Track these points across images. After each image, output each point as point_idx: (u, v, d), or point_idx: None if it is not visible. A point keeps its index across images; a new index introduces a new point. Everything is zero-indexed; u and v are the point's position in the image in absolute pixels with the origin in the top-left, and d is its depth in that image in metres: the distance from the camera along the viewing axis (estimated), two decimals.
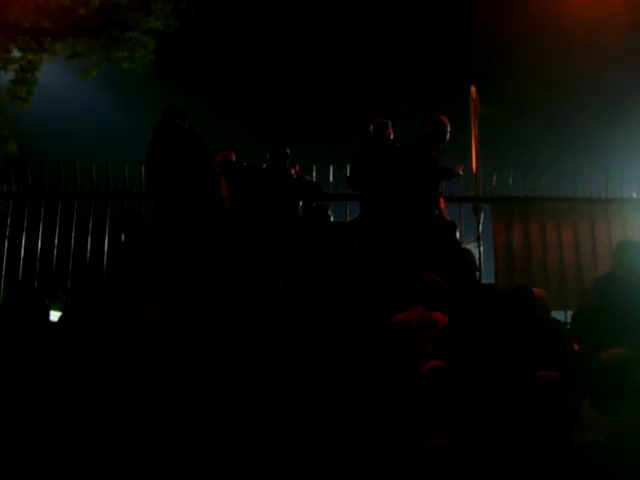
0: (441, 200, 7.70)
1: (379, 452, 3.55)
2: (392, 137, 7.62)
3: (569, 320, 6.67)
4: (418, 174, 7.33)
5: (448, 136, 7.64)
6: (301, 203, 7.76)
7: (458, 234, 7.69)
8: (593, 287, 5.73)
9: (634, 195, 8.59)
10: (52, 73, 12.03)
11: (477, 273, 7.34)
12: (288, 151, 7.68)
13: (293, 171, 7.74)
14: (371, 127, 7.64)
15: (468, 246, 7.70)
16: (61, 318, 5.49)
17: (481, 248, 8.14)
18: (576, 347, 5.43)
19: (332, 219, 7.79)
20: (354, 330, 5.10)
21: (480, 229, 8.30)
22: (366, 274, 6.40)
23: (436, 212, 7.36)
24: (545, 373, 4.11)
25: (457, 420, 3.75)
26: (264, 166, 7.76)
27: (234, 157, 7.76)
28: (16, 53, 11.13)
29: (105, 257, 7.84)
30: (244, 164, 7.78)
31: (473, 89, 9.08)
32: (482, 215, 8.36)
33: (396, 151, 7.47)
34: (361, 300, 5.80)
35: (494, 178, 8.39)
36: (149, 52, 11.48)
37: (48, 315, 5.41)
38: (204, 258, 6.43)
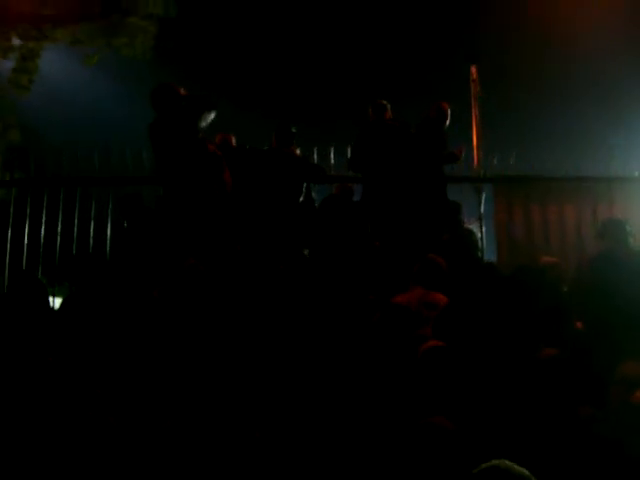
0: None
1: (375, 431, 3.58)
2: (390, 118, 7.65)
3: None
4: (427, 156, 7.36)
5: (448, 122, 7.67)
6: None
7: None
8: (589, 265, 5.76)
9: (637, 174, 8.57)
10: (53, 60, 12.01)
11: (479, 253, 7.35)
12: (294, 130, 7.62)
13: (298, 151, 7.69)
14: (370, 109, 7.64)
15: (470, 226, 7.71)
16: (62, 305, 5.52)
17: (483, 228, 8.16)
18: (579, 325, 5.44)
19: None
20: (354, 312, 5.12)
21: (482, 209, 8.30)
22: (370, 255, 6.40)
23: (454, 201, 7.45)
24: (545, 351, 4.14)
25: (455, 399, 3.77)
26: (268, 148, 7.72)
27: (234, 140, 7.72)
28: (16, 41, 11.12)
29: (108, 243, 7.87)
30: (247, 147, 7.74)
31: (473, 69, 9.06)
32: (483, 195, 8.36)
33: (397, 131, 7.47)
34: (364, 281, 5.82)
35: (495, 158, 8.38)
36: (149, 38, 11.47)
37: (48, 302, 5.43)
38: (207, 241, 6.44)
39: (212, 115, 6.76)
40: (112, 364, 4.52)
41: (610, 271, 5.50)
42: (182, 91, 6.82)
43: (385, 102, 7.66)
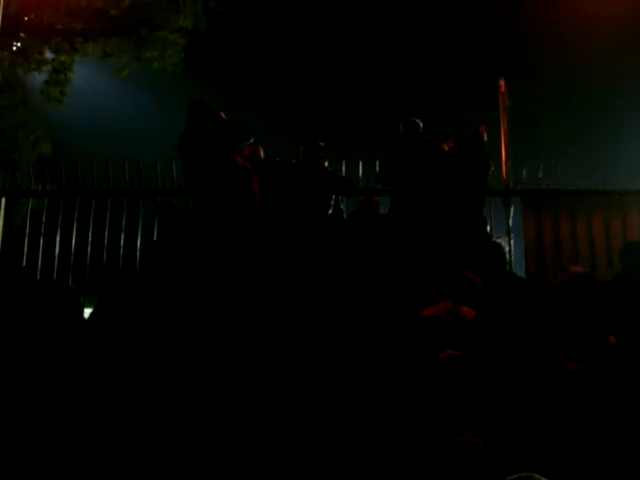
0: None
1: (402, 447, 3.58)
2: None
3: None
4: (467, 175, 7.33)
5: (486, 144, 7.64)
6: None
7: (488, 228, 7.68)
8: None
9: None
10: (84, 74, 12.19)
11: (507, 267, 7.32)
12: (322, 144, 7.65)
13: (326, 164, 7.71)
14: (401, 125, 7.62)
15: (498, 240, 7.67)
16: (92, 315, 5.57)
17: (511, 242, 8.12)
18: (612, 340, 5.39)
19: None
20: (381, 324, 5.13)
21: (510, 222, 8.27)
22: (399, 268, 6.39)
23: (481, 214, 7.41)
24: (571, 365, 4.12)
25: (473, 410, 3.75)
26: (296, 161, 7.75)
27: (262, 153, 7.76)
28: (49, 55, 11.31)
29: (138, 254, 7.95)
30: (277, 159, 7.76)
31: (502, 82, 9.05)
32: (512, 208, 8.33)
33: (430, 144, 7.45)
34: (394, 295, 5.82)
35: (524, 171, 8.35)
36: (179, 51, 11.60)
37: (82, 313, 5.50)
38: (235, 255, 6.47)
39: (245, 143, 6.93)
40: (139, 377, 4.56)
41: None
42: (223, 115, 6.94)
43: (418, 120, 7.64)
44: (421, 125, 7.63)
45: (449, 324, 4.85)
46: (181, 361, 4.71)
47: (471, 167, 7.38)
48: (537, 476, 2.53)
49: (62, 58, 11.22)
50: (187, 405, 4.26)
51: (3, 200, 8.54)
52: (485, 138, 7.54)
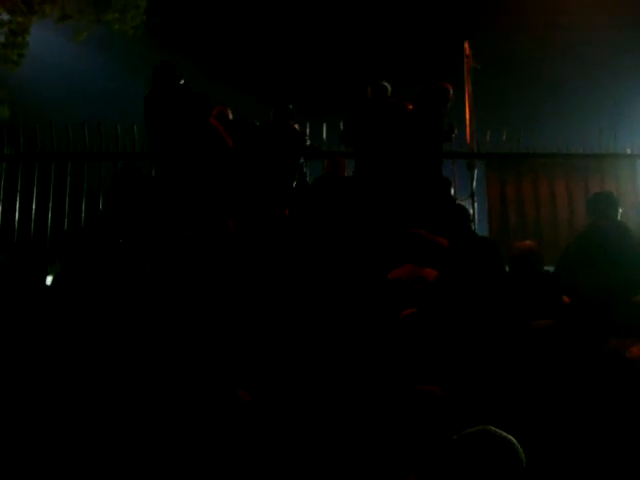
0: None
1: (365, 399, 3.61)
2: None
3: None
4: (426, 134, 7.31)
5: (450, 104, 7.59)
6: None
7: (452, 190, 7.70)
8: (573, 243, 5.82)
9: (628, 151, 8.60)
10: (42, 36, 11.91)
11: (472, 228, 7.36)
12: (291, 106, 7.58)
13: (297, 126, 7.64)
14: (369, 88, 7.56)
15: (462, 202, 7.70)
16: (54, 281, 5.49)
17: (475, 204, 8.17)
18: (566, 300, 5.47)
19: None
20: (347, 288, 5.14)
21: (474, 185, 8.32)
22: (363, 232, 6.39)
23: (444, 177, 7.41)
24: (540, 322, 4.17)
25: (441, 366, 3.79)
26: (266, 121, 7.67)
27: (230, 114, 7.65)
28: (5, 16, 11.02)
29: (99, 219, 7.85)
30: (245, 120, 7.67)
31: (466, 45, 9.03)
32: (476, 171, 8.37)
33: (396, 108, 7.42)
34: (358, 257, 5.83)
35: (488, 134, 8.39)
36: (140, 13, 11.37)
37: (44, 279, 5.41)
38: (201, 213, 6.39)
39: None
40: (101, 343, 4.51)
41: (596, 246, 5.54)
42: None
43: (386, 84, 7.58)
44: (389, 89, 7.60)
45: (411, 285, 4.87)
46: (142, 325, 4.68)
47: (434, 124, 7.38)
48: (493, 429, 2.56)
49: (19, 19, 10.95)
50: (147, 368, 4.24)
51: None
52: (451, 95, 7.51)
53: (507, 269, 5.55)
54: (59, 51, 12.42)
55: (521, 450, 2.51)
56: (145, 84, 7.15)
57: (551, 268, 6.23)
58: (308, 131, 8.03)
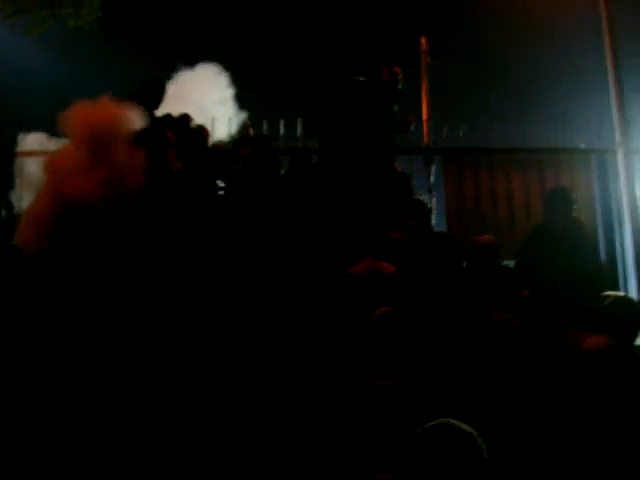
0: None
1: (326, 395, 3.63)
2: None
3: None
4: (379, 126, 7.30)
5: (400, 86, 7.59)
6: None
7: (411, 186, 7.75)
8: (528, 238, 5.93)
9: (582, 145, 8.74)
10: None
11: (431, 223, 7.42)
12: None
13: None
14: (347, 82, 7.51)
15: (420, 197, 7.77)
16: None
17: (433, 199, 8.24)
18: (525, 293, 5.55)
19: None
20: (307, 282, 5.15)
21: (432, 180, 8.39)
22: (324, 228, 6.41)
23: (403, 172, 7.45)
24: (498, 315, 4.23)
25: (407, 362, 3.82)
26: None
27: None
28: None
29: None
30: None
31: (423, 40, 9.08)
32: (433, 167, 8.44)
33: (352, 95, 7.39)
34: (316, 252, 5.85)
35: (444, 130, 8.46)
36: (95, 8, 11.23)
37: None
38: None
39: None
40: None
41: (550, 241, 5.66)
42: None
43: (362, 78, 7.53)
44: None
45: (370, 279, 4.90)
46: None
47: (387, 111, 7.37)
48: (453, 421, 2.59)
49: None
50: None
51: None
52: (400, 78, 7.51)
53: (465, 264, 5.62)
54: (12, 48, 12.19)
55: (482, 441, 2.55)
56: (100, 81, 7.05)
57: (509, 262, 6.36)
58: (265, 127, 8.03)
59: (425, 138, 8.67)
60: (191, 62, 8.32)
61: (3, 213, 7.92)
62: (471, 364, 4.00)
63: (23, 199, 7.66)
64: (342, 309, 4.49)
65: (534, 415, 3.59)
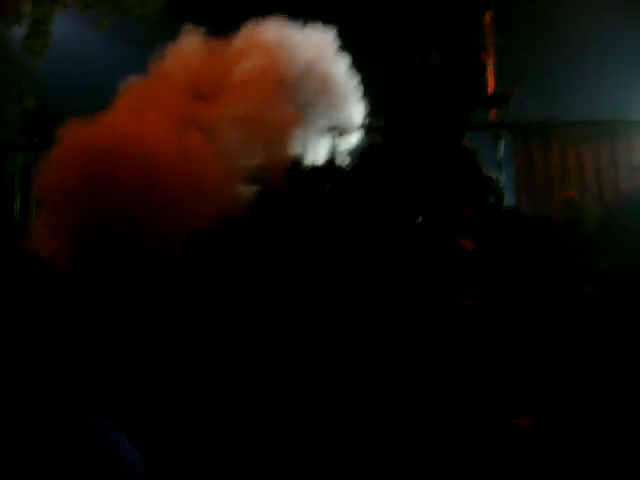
0: None
1: None
2: None
3: None
4: (451, 104, 7.25)
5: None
6: None
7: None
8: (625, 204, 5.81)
9: None
10: (64, 25, 11.98)
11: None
12: None
13: None
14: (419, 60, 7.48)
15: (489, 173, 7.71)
16: None
17: (502, 175, 8.18)
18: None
19: None
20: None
21: (500, 156, 8.33)
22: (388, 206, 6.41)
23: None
24: (585, 287, 4.24)
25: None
26: None
27: None
28: (27, 8, 11.13)
29: None
30: None
31: (488, 15, 9.01)
32: (502, 142, 8.38)
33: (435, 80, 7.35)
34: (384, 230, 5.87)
35: (512, 104, 8.37)
36: None
37: None
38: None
39: None
40: None
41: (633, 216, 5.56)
42: None
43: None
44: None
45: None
46: None
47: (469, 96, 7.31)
48: None
49: (41, 10, 11.05)
50: None
51: None
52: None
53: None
54: (81, 40, 12.48)
55: None
56: None
57: None
58: None
59: (492, 113, 8.61)
60: None
61: None
62: (562, 340, 4.01)
63: None
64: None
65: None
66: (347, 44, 7.69)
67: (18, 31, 11.28)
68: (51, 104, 11.63)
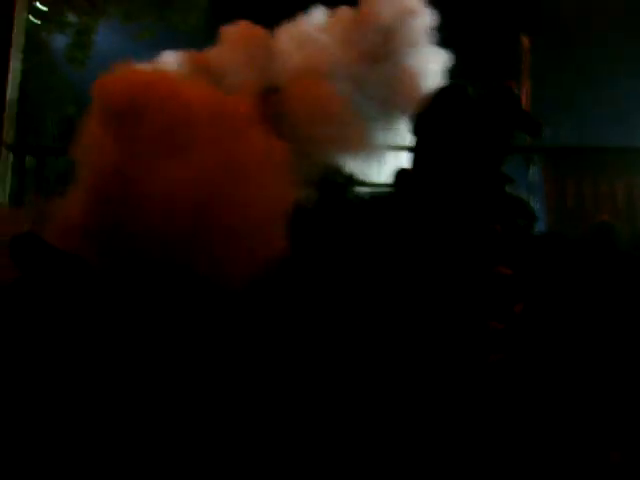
0: None
1: None
2: None
3: None
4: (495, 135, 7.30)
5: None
6: None
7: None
8: None
9: None
10: (104, 35, 12.20)
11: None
12: None
13: None
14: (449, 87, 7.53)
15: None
16: None
17: (533, 198, 8.23)
18: None
19: None
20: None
21: (532, 180, 8.39)
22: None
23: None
24: None
25: None
26: None
27: None
28: (72, 17, 11.38)
29: None
30: None
31: (525, 40, 9.06)
32: (534, 165, 8.43)
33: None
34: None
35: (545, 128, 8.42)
36: (201, 10, 11.60)
37: None
38: None
39: None
40: None
41: None
42: None
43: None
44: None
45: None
46: None
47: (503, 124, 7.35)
48: None
49: (85, 20, 11.30)
50: None
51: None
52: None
53: None
54: (120, 50, 12.69)
55: None
56: None
57: None
58: None
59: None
60: None
61: None
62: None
63: None
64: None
65: None
66: None
67: (60, 39, 11.53)
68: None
